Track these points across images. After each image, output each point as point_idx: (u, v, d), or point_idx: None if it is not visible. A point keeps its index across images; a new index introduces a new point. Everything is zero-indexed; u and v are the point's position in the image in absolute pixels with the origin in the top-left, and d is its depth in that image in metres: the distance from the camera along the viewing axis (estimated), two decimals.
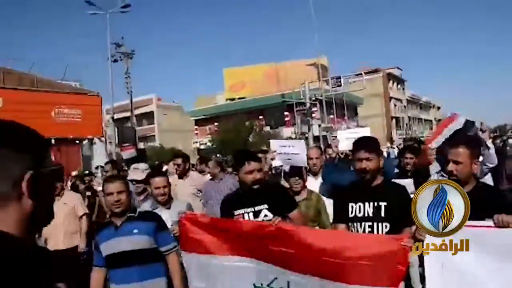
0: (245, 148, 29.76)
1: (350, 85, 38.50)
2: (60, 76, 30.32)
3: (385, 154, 13.20)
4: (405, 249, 2.77)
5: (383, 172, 3.73)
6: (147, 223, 3.59)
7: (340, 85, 36.17)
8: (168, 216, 4.19)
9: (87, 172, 12.51)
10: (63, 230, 6.07)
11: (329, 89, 36.48)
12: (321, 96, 35.13)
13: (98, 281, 3.61)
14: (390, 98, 62.16)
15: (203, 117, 49.53)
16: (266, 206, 3.65)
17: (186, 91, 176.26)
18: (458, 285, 2.80)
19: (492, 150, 5.04)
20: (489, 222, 2.75)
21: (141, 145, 36.58)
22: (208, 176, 7.14)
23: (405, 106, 67.88)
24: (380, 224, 3.24)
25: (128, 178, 5.45)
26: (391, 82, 63.69)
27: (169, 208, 4.53)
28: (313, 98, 33.23)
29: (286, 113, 41.15)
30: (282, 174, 5.37)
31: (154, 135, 57.97)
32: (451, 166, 3.16)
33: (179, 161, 6.79)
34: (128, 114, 29.95)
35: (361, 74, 36.28)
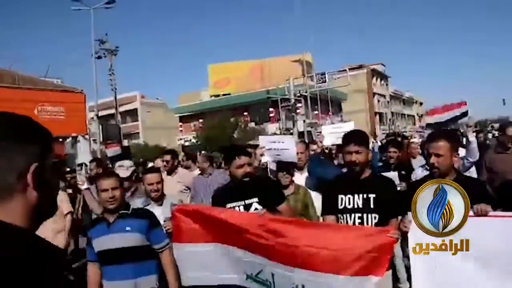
0: (230, 144, 29.90)
1: (335, 81, 38.65)
2: (42, 73, 30.05)
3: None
4: (391, 240, 2.86)
5: (371, 165, 3.85)
6: (140, 220, 3.58)
7: (325, 81, 36.25)
8: (160, 213, 4.21)
9: (68, 169, 12.46)
10: (50, 228, 6.06)
11: (313, 85, 36.58)
12: (306, 92, 35.23)
13: (96, 275, 3.59)
14: (374, 94, 62.71)
15: (188, 113, 49.34)
16: (256, 199, 3.72)
17: (170, 88, 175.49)
18: (443, 275, 2.87)
19: (475, 145, 5.19)
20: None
21: (125, 143, 36.33)
22: (196, 172, 7.17)
23: (388, 102, 68.45)
24: (369, 215, 3.32)
25: None
26: (374, 78, 64.22)
27: (161, 205, 4.55)
28: (298, 94, 33.29)
29: (271, 109, 41.20)
30: (268, 170, 5.44)
31: (138, 132, 57.58)
32: (432, 159, 3.26)
33: (168, 157, 6.80)
34: (111, 111, 29.77)
35: (345, 70, 36.37)
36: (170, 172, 6.69)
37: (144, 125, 58.08)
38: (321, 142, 6.50)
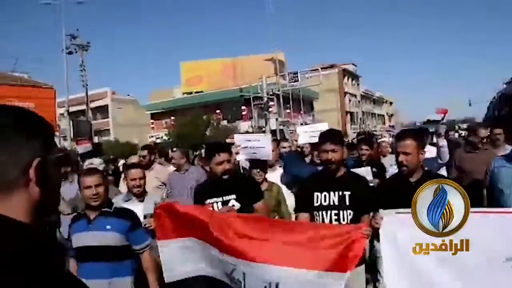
0: (202, 142, 29.81)
1: (307, 80, 38.95)
2: (9, 68, 29.37)
3: None
4: (363, 237, 2.98)
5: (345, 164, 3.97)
6: (121, 220, 3.54)
7: (297, 80, 36.49)
8: (141, 209, 4.20)
9: None
10: None
11: (286, 84, 36.82)
12: (278, 90, 35.43)
13: (73, 271, 3.46)
14: (345, 93, 63.46)
15: (159, 111, 48.95)
16: (234, 196, 3.81)
17: (141, 85, 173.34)
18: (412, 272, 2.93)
19: (445, 148, 5.41)
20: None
21: (95, 139, 35.86)
22: (171, 169, 7.19)
23: (359, 101, 69.39)
24: (345, 212, 3.46)
25: None
26: (346, 77, 64.97)
27: (142, 201, 4.53)
28: (271, 93, 33.49)
29: (243, 107, 41.24)
30: (241, 168, 5.53)
31: (108, 129, 56.70)
32: (401, 157, 3.40)
33: (145, 152, 6.79)
34: (82, 107, 29.32)
35: (317, 69, 36.71)
36: (147, 167, 6.68)
37: (115, 122, 57.22)
38: (296, 140, 6.62)
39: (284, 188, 5.36)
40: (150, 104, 50.84)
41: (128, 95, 63.08)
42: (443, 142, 5.40)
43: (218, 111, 43.58)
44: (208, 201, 3.85)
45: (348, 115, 63.94)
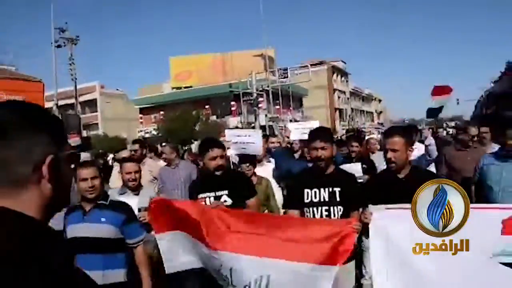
0: (191, 137, 29.76)
1: (296, 76, 39.10)
2: None
3: None
4: (353, 232, 3.02)
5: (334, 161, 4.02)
6: (117, 213, 3.55)
7: (287, 77, 36.64)
8: (136, 202, 4.21)
9: None
10: None
11: (275, 80, 36.89)
12: (268, 86, 35.49)
13: None
14: (334, 90, 63.64)
15: (148, 105, 48.75)
16: (226, 192, 3.84)
17: (130, 79, 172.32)
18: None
19: (433, 146, 5.49)
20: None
21: (84, 133, 35.61)
22: (162, 163, 7.18)
23: (348, 98, 69.64)
24: (335, 208, 3.50)
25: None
26: (335, 74, 65.12)
27: (137, 194, 4.54)
28: (260, 89, 33.53)
29: (232, 102, 41.22)
30: (231, 163, 5.57)
31: (97, 123, 56.29)
32: (389, 154, 3.44)
33: (136, 146, 6.79)
34: (70, 101, 29.11)
35: (307, 66, 36.87)
36: (139, 161, 6.69)
37: (104, 116, 56.80)
38: (287, 137, 6.70)
39: (272, 183, 5.42)
40: (139, 98, 50.62)
41: (117, 89, 62.65)
42: (430, 141, 5.48)
43: (207, 106, 43.46)
44: (201, 195, 3.88)
45: (337, 112, 64.18)
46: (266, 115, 34.33)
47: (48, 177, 1.01)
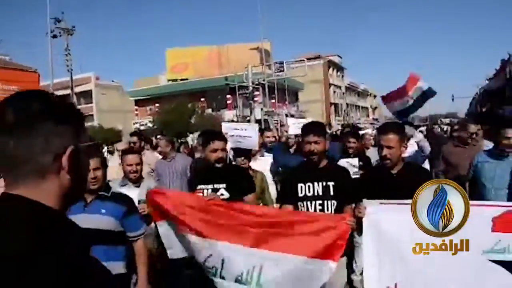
0: (187, 130, 29.70)
1: (292, 70, 39.06)
2: None
3: None
4: (347, 227, 3.07)
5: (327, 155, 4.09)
6: (118, 205, 3.51)
7: (283, 70, 36.59)
8: (137, 194, 4.22)
9: None
10: None
11: (271, 74, 36.84)
12: (264, 80, 35.47)
13: None
14: (330, 84, 63.71)
15: (144, 97, 48.57)
16: (224, 185, 3.86)
17: (126, 71, 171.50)
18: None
19: (426, 142, 5.54)
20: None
21: None
22: (159, 155, 7.17)
23: (343, 93, 69.74)
24: (329, 202, 3.54)
25: None
26: (331, 69, 65.15)
27: (138, 186, 4.55)
28: (256, 82, 33.52)
29: (228, 96, 41.12)
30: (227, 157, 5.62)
31: (92, 115, 55.99)
32: (384, 151, 3.47)
33: (134, 139, 6.81)
34: (65, 91, 28.93)
35: (303, 60, 36.86)
36: (139, 153, 6.71)
37: (99, 108, 56.50)
38: (286, 131, 6.78)
39: (267, 176, 5.48)
40: (135, 90, 50.41)
41: (113, 80, 62.31)
42: (419, 137, 5.54)
43: (203, 99, 43.33)
44: (200, 186, 3.91)
45: (333, 107, 64.25)
46: (261, 109, 34.33)
47: (67, 168, 1.02)
